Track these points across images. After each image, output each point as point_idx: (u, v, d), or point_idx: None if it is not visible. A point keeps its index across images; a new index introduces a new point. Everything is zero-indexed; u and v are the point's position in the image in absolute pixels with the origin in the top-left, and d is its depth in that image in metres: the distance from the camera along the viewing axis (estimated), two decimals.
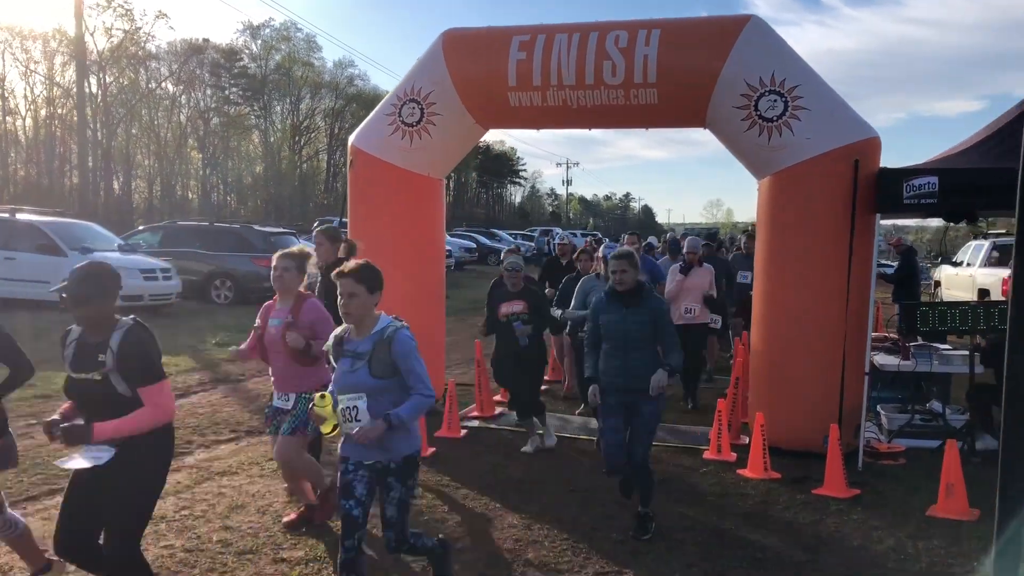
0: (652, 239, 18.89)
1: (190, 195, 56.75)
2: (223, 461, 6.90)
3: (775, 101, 7.30)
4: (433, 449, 7.31)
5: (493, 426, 8.42)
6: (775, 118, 7.28)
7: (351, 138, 8.69)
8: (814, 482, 6.58)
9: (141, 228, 20.23)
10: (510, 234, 46.64)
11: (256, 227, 19.42)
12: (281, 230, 20.34)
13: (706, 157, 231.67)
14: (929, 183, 6.78)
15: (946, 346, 7.92)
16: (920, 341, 7.85)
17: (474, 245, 34.20)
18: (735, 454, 7.38)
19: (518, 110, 8.10)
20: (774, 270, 7.50)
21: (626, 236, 13.09)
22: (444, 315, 9.27)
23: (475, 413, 8.76)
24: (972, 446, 7.20)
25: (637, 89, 7.67)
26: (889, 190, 6.89)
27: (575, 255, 9.99)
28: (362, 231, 8.50)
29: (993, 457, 7.24)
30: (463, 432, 8.02)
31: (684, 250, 9.79)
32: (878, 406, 8.18)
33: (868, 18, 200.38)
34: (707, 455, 7.41)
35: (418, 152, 8.30)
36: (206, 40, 54.21)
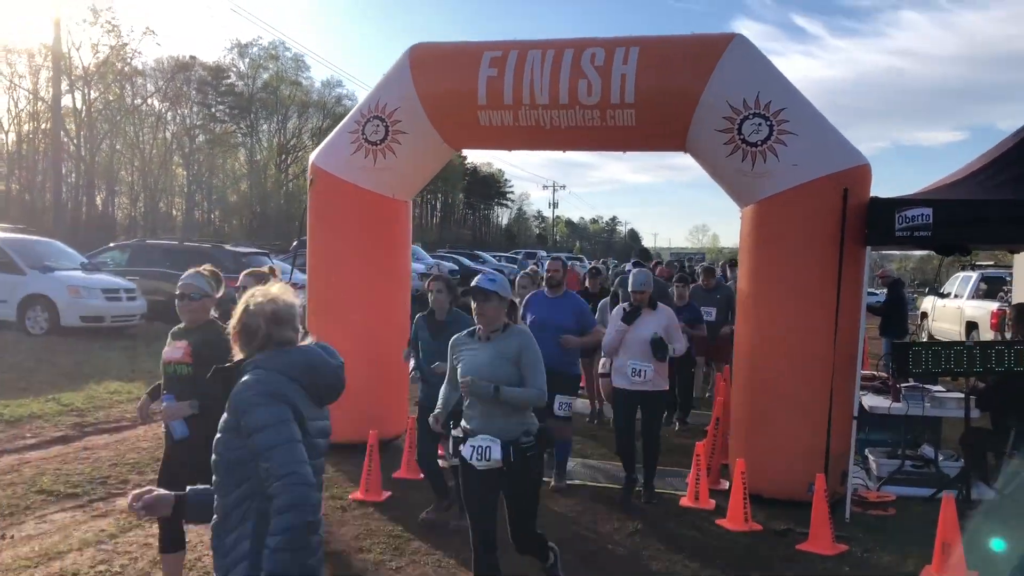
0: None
1: (174, 212, 56.19)
2: None
3: (759, 125, 6.86)
4: (388, 493, 6.76)
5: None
6: (759, 142, 6.84)
7: (312, 156, 8.20)
8: (798, 536, 6.08)
9: (110, 246, 19.62)
10: (494, 256, 46.13)
11: (227, 247, 18.84)
12: (253, 250, 19.76)
13: (692, 182, 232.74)
14: (923, 215, 6.35)
15: (939, 387, 7.45)
16: (911, 382, 7.37)
17: (457, 267, 33.65)
18: (713, 501, 6.87)
19: (489, 130, 7.63)
20: (757, 304, 7.03)
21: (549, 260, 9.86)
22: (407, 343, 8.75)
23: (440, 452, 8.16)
24: (968, 496, 6.72)
25: (614, 110, 7.22)
26: (880, 221, 6.45)
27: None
28: (322, 254, 8.01)
29: (990, 509, 6.80)
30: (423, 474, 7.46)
31: (630, 287, 6.91)
32: (866, 450, 7.71)
33: (852, 48, 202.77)
34: (684, 502, 6.89)
35: (382, 172, 7.81)
36: (193, 57, 54.01)
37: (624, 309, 6.84)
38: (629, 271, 8.60)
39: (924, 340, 19.57)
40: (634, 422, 6.88)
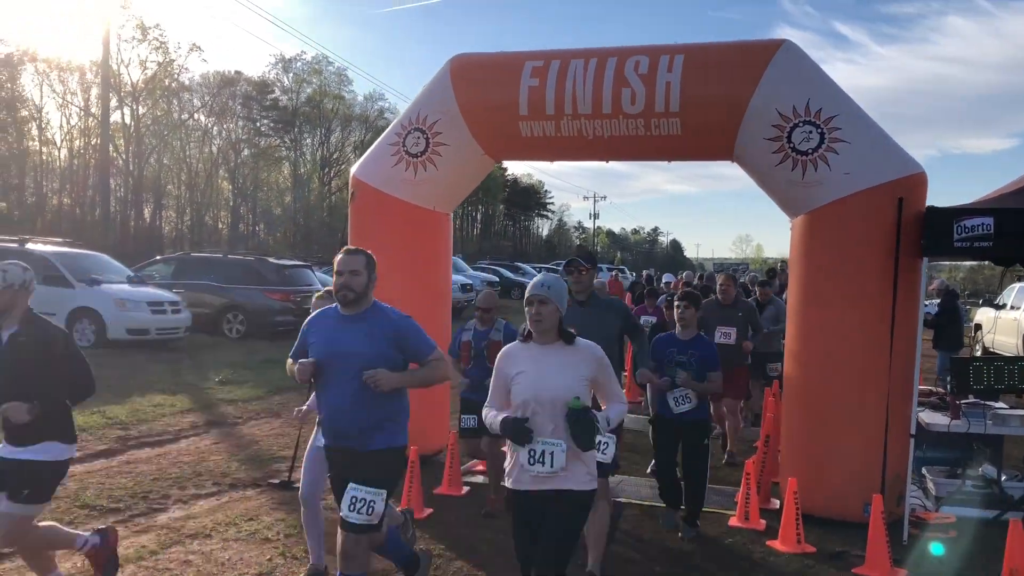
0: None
1: (220, 225, 56.98)
2: (198, 520, 6.27)
3: (810, 132, 6.65)
4: (430, 510, 6.64)
5: (501, 483, 7.70)
6: (810, 151, 6.63)
7: (352, 169, 8.15)
8: (854, 558, 5.83)
9: (156, 259, 19.87)
10: (535, 267, 45.97)
11: (271, 259, 18.98)
12: (296, 263, 19.88)
13: (734, 192, 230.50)
14: (984, 224, 6.09)
15: (1001, 404, 7.13)
16: (971, 398, 7.07)
17: (497, 279, 33.59)
18: (764, 521, 6.64)
19: (530, 140, 7.51)
20: (809, 317, 6.81)
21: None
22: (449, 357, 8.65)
23: (480, 467, 8.03)
24: None
25: (659, 119, 7.06)
26: (938, 231, 6.20)
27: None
28: None
29: None
30: (465, 489, 7.35)
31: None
32: (923, 468, 7.41)
33: (897, 56, 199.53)
34: (733, 522, 6.67)
35: (423, 184, 7.73)
36: (238, 72, 54.83)
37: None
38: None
39: (979, 353, 19.01)
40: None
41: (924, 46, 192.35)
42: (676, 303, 6.34)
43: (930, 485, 7.18)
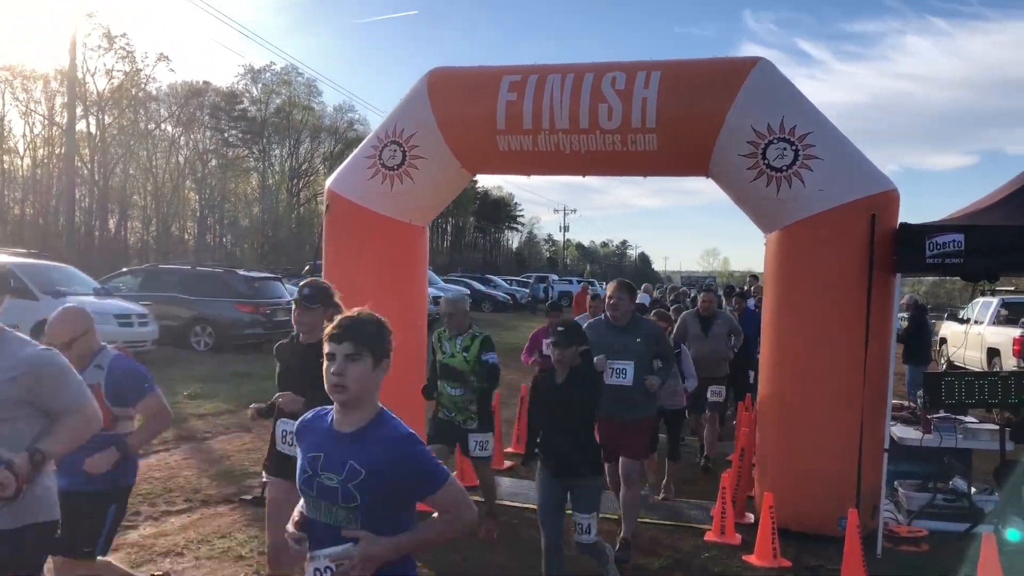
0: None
1: (186, 236, 56.39)
2: (169, 538, 6.16)
3: (784, 149, 6.73)
4: None
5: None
6: (785, 168, 6.71)
7: (328, 182, 8.10)
8: (829, 573, 5.87)
9: (123, 271, 19.59)
10: (506, 280, 46.03)
11: (240, 272, 18.79)
12: (266, 275, 19.70)
13: (702, 206, 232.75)
14: (954, 241, 6.19)
15: (971, 419, 7.24)
16: (942, 412, 7.16)
17: (468, 291, 33.57)
18: (739, 535, 6.67)
19: (507, 154, 7.52)
20: (783, 333, 6.87)
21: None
22: (424, 370, 8.60)
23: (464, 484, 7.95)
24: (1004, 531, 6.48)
25: (635, 134, 7.10)
26: (910, 247, 6.29)
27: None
28: (338, 280, 7.85)
29: None
30: None
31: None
32: (895, 482, 7.48)
33: (858, 73, 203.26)
34: (709, 537, 6.69)
35: (399, 197, 7.70)
36: (206, 83, 54.43)
37: None
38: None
39: (944, 367, 19.31)
40: None
41: (885, 64, 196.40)
42: None
43: (902, 499, 7.25)
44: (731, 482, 6.90)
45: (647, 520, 7.09)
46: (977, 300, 20.33)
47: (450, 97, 7.59)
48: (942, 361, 19.95)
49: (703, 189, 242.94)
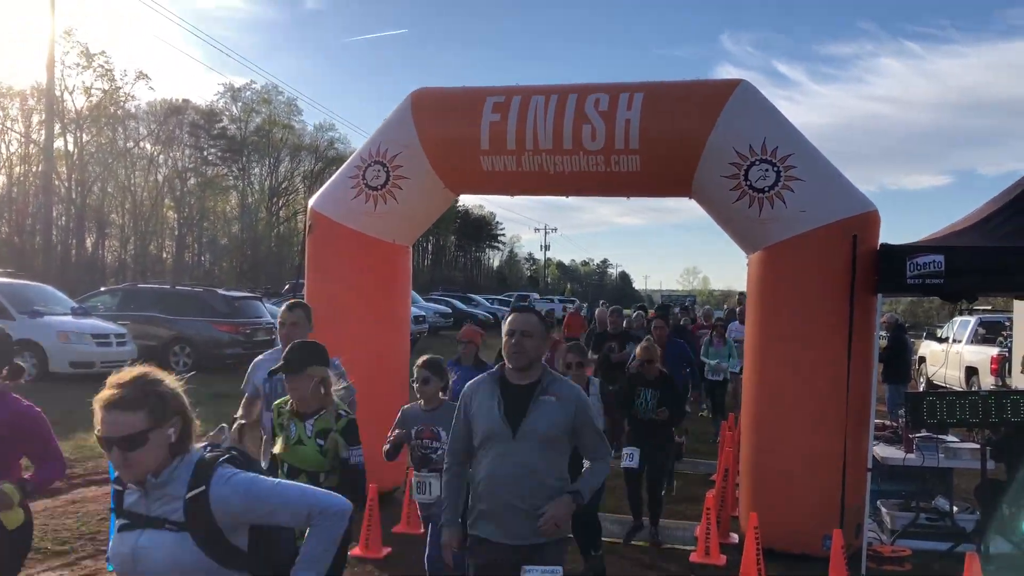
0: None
1: (164, 254, 55.99)
2: None
3: (767, 170, 6.78)
4: (388, 549, 6.52)
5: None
6: (767, 188, 6.76)
7: (311, 201, 8.08)
8: None
9: (101, 290, 19.41)
10: (487, 298, 46.00)
11: (219, 291, 18.66)
12: (246, 294, 19.57)
13: (682, 224, 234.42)
14: (935, 262, 6.24)
15: (952, 438, 7.29)
16: (924, 432, 7.20)
17: (449, 310, 33.52)
18: (724, 556, 6.66)
19: (491, 175, 7.54)
20: (765, 353, 6.89)
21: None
22: (408, 389, 8.55)
23: None
24: (986, 550, 6.52)
25: (618, 155, 7.14)
26: (891, 268, 6.34)
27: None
28: (320, 301, 7.83)
29: (1009, 563, 6.61)
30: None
31: None
32: (878, 501, 7.50)
33: (833, 94, 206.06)
34: (694, 558, 6.67)
35: (383, 217, 7.69)
36: (186, 101, 54.22)
37: None
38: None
39: (923, 386, 19.45)
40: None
41: (859, 86, 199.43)
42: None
43: (885, 518, 7.27)
44: (715, 502, 6.90)
45: (633, 542, 7.06)
46: (955, 319, 20.51)
47: (434, 117, 7.60)
48: (921, 380, 20.09)
49: (683, 207, 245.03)
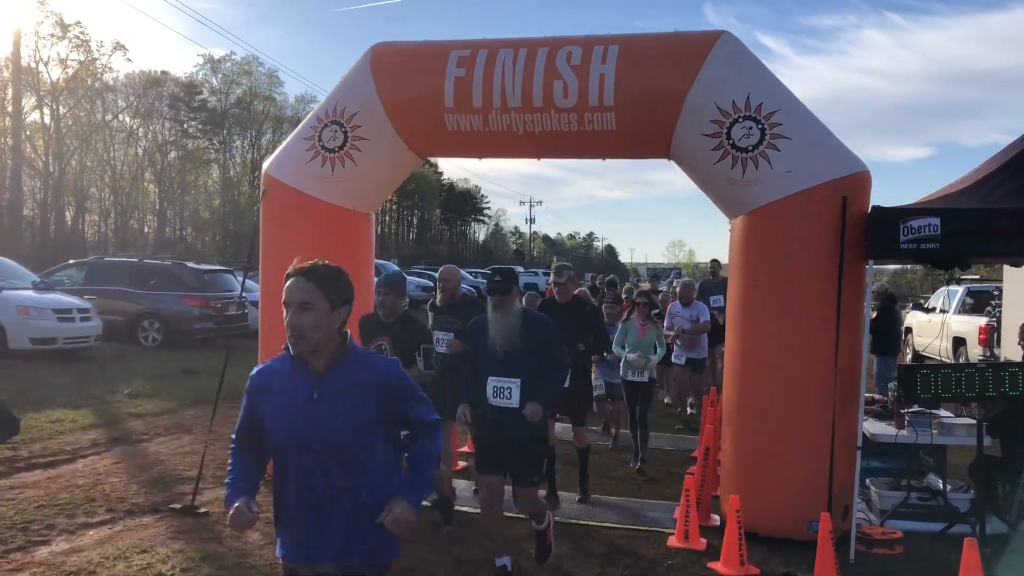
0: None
1: (146, 229, 55.21)
2: (83, 555, 5.59)
3: (750, 128, 6.30)
4: None
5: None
6: (750, 148, 6.28)
7: (265, 164, 7.55)
8: None
9: (68, 263, 18.79)
10: (469, 272, 45.41)
11: (189, 264, 18.08)
12: (217, 267, 19.00)
13: (667, 197, 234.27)
14: (930, 225, 5.81)
15: (946, 413, 6.88)
16: (915, 407, 6.79)
17: (431, 284, 32.98)
18: (704, 540, 6.25)
19: (457, 135, 7.02)
20: (748, 324, 6.44)
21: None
22: None
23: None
24: (982, 531, 6.13)
25: (592, 113, 6.63)
26: (883, 233, 5.90)
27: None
28: (275, 273, 7.35)
29: (1005, 544, 6.23)
30: None
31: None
32: (867, 480, 7.11)
33: (817, 67, 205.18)
34: (672, 542, 6.26)
35: (341, 182, 7.18)
36: (165, 73, 53.20)
37: None
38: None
39: (909, 357, 19.16)
40: None
41: (843, 58, 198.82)
42: None
43: (874, 497, 6.89)
44: (695, 483, 6.49)
45: (606, 524, 6.66)
46: (942, 289, 20.20)
47: (395, 74, 7.06)
48: (907, 351, 19.80)
49: (667, 180, 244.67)
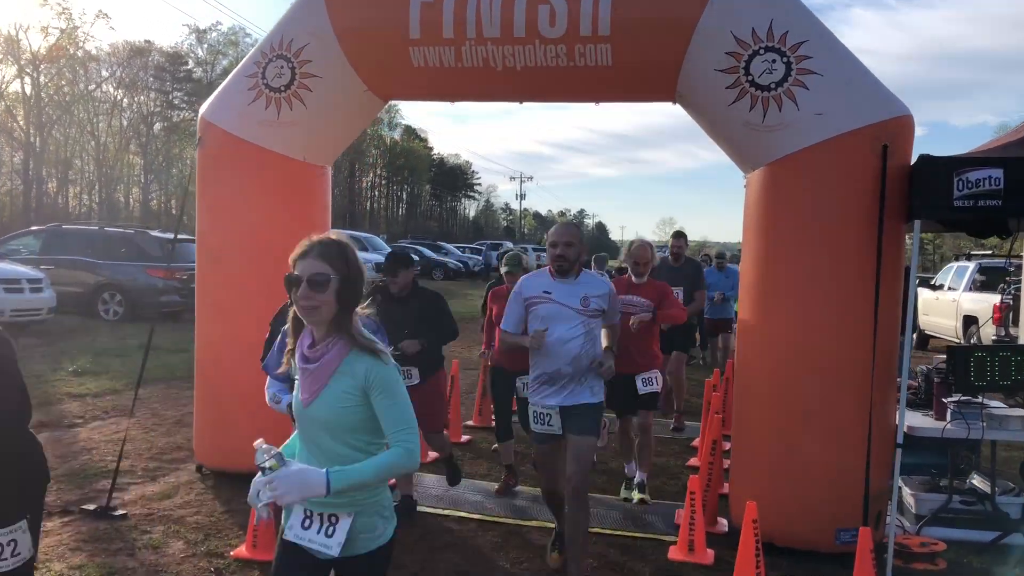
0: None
1: (132, 201, 54.07)
2: None
3: (774, 62, 5.25)
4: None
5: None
6: (773, 85, 5.24)
7: (201, 108, 6.47)
8: None
9: (25, 231, 17.66)
10: (459, 247, 44.40)
11: (153, 233, 16.97)
12: (183, 237, 17.88)
13: (658, 175, 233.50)
14: (991, 178, 4.78)
15: (997, 403, 5.87)
16: (959, 396, 5.76)
17: (418, 259, 32.00)
18: (711, 552, 5.27)
19: (423, 72, 5.94)
20: (767, 296, 5.43)
21: None
22: None
23: None
24: None
25: (584, 45, 5.56)
26: (933, 187, 4.86)
27: None
28: (211, 230, 6.31)
29: None
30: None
31: None
32: (899, 479, 6.11)
33: None
34: (674, 554, 5.27)
35: (288, 127, 6.10)
36: (149, 42, 51.96)
37: None
38: None
39: (915, 336, 18.26)
40: None
41: None
42: None
43: (909, 500, 5.90)
44: (700, 484, 5.48)
45: (598, 530, 5.66)
46: (951, 265, 19.28)
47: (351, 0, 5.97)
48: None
49: (658, 159, 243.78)
